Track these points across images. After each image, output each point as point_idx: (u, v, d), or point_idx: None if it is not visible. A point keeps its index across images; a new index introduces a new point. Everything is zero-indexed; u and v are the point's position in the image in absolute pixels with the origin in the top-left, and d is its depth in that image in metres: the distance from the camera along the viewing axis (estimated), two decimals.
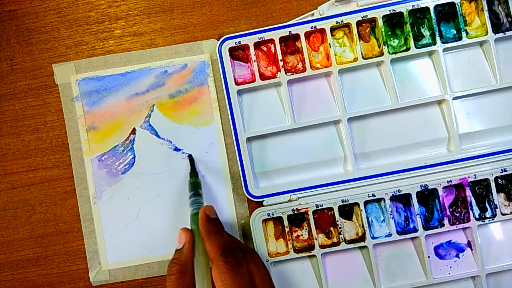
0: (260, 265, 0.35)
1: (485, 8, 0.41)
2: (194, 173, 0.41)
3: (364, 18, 0.41)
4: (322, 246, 0.41)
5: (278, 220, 0.42)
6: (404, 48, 0.42)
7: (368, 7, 0.41)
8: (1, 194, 0.44)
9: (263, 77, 0.42)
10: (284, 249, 0.42)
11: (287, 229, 0.41)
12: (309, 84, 0.43)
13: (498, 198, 0.41)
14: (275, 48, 0.42)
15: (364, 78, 0.43)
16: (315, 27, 0.41)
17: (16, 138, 0.44)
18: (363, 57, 0.41)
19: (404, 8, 0.41)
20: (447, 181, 0.41)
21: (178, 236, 0.36)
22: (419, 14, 0.42)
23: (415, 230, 0.41)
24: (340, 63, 0.42)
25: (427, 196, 0.42)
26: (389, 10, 0.41)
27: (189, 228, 0.36)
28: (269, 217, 0.41)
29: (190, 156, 0.43)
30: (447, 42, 0.41)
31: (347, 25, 0.42)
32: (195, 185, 0.40)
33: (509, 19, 0.42)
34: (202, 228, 0.35)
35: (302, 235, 0.42)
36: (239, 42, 0.41)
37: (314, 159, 0.42)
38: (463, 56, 0.42)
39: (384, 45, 0.41)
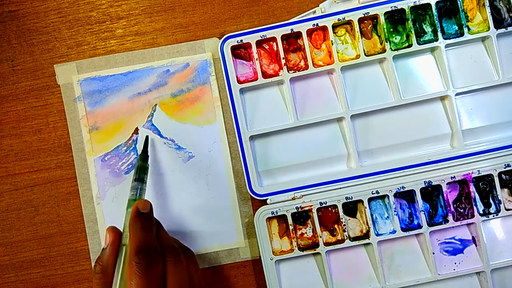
0: (180, 268, 0.34)
1: (487, 3, 0.41)
2: (144, 156, 0.40)
3: (365, 15, 0.41)
4: (327, 244, 0.41)
5: (282, 218, 0.42)
6: (406, 44, 0.42)
7: (369, 4, 0.41)
8: (4, 195, 0.43)
9: (265, 75, 0.42)
10: (288, 247, 0.41)
11: (291, 227, 0.41)
12: (311, 82, 0.43)
13: (502, 194, 0.41)
14: (277, 46, 0.42)
15: (366, 75, 0.42)
16: (317, 24, 0.41)
17: (18, 139, 0.44)
18: (365, 54, 0.41)
19: (405, 4, 0.41)
20: (451, 177, 0.41)
21: (105, 235, 0.35)
22: (421, 10, 0.42)
23: (419, 226, 0.41)
24: (342, 60, 0.42)
25: (431, 192, 0.42)
26: (391, 7, 0.41)
27: (115, 226, 0.35)
28: (273, 215, 0.41)
29: (146, 138, 0.41)
30: (449, 38, 0.41)
31: (349, 22, 0.42)
32: (142, 170, 0.39)
33: (511, 15, 0.42)
34: (130, 222, 0.34)
35: (306, 233, 0.42)
36: (241, 41, 0.41)
37: (317, 157, 0.42)
38: (465, 52, 0.42)
39: (386, 42, 0.41)
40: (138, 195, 0.37)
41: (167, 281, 0.33)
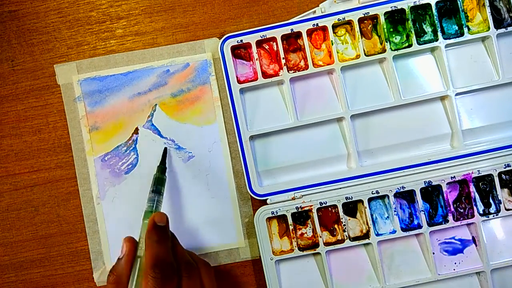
0: (194, 283, 0.34)
1: (487, 3, 0.41)
2: (162, 168, 0.40)
3: (365, 15, 0.41)
4: (327, 244, 0.41)
5: (282, 218, 0.42)
6: (406, 44, 0.42)
7: (369, 4, 0.41)
8: (4, 195, 0.43)
9: (265, 75, 0.42)
10: (288, 247, 0.41)
11: (291, 227, 0.41)
12: (311, 82, 0.43)
13: (502, 194, 0.41)
14: (277, 46, 0.42)
15: (366, 75, 0.42)
16: (317, 24, 0.41)
17: (18, 139, 0.44)
18: (365, 54, 0.41)
19: (405, 4, 0.41)
20: (451, 177, 0.41)
21: (122, 244, 0.35)
22: (421, 10, 0.42)
23: (419, 226, 0.41)
24: (342, 60, 0.42)
25: (431, 192, 0.42)
26: (391, 7, 0.41)
27: (132, 237, 0.35)
28: (273, 215, 0.41)
29: (165, 149, 0.42)
30: (449, 38, 0.41)
31: (349, 22, 0.42)
32: (160, 182, 0.39)
33: (511, 15, 0.42)
34: (146, 235, 0.34)
35: (306, 233, 0.42)
36: (241, 41, 0.41)
37: (317, 157, 0.42)
38: (465, 52, 0.42)
39: (386, 41, 0.41)
40: (155, 207, 0.37)
41: None
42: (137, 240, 0.35)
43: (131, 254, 0.34)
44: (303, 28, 0.41)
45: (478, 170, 0.41)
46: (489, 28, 0.41)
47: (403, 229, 0.41)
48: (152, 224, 0.35)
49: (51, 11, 0.44)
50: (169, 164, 0.43)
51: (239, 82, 0.42)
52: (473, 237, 0.42)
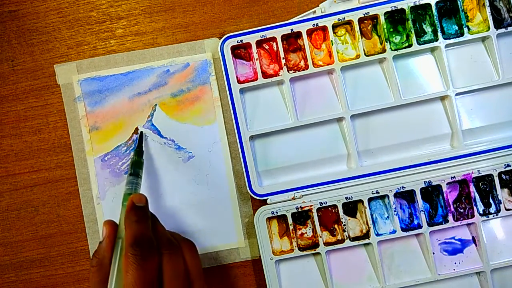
0: (176, 260, 0.34)
1: (487, 3, 0.41)
2: (139, 151, 0.40)
3: (366, 15, 0.41)
4: (327, 244, 0.41)
5: (282, 218, 0.42)
6: (406, 44, 0.42)
7: (369, 4, 0.41)
8: (4, 195, 0.43)
9: (265, 75, 0.42)
10: (288, 247, 0.41)
11: (291, 227, 0.41)
12: (311, 82, 0.43)
13: (502, 194, 0.41)
14: (277, 46, 0.42)
15: (366, 75, 0.42)
16: (317, 24, 0.41)
17: (18, 139, 0.44)
18: (365, 54, 0.41)
19: (405, 4, 0.41)
20: (451, 177, 0.41)
21: (102, 228, 0.35)
22: (421, 10, 0.42)
23: (419, 226, 0.41)
24: (342, 60, 0.41)
25: (431, 192, 0.42)
26: (391, 7, 0.41)
27: (111, 220, 0.35)
28: (273, 215, 0.41)
29: (141, 133, 0.42)
30: (449, 38, 0.41)
31: (349, 22, 0.42)
32: (137, 165, 0.39)
33: (511, 15, 0.42)
34: (125, 216, 0.35)
35: (306, 233, 0.42)
36: (241, 41, 0.41)
37: (317, 157, 0.42)
38: (465, 52, 0.42)
39: (386, 41, 0.41)
40: (133, 189, 0.37)
41: (163, 272, 0.33)
42: (117, 223, 0.35)
43: (112, 236, 0.34)
44: (303, 28, 0.41)
45: (478, 170, 0.41)
46: (489, 28, 0.41)
47: (403, 229, 0.41)
48: (131, 205, 0.35)
49: (51, 11, 0.44)
50: (169, 164, 0.43)
51: (239, 82, 0.42)
52: (473, 237, 0.42)
